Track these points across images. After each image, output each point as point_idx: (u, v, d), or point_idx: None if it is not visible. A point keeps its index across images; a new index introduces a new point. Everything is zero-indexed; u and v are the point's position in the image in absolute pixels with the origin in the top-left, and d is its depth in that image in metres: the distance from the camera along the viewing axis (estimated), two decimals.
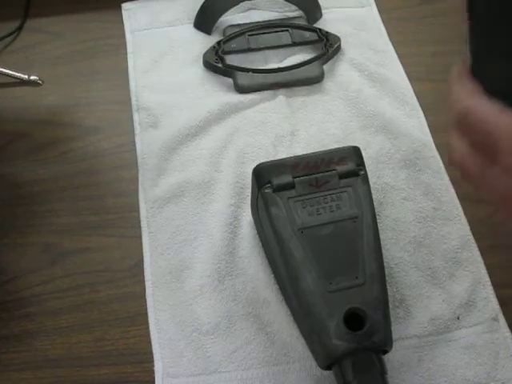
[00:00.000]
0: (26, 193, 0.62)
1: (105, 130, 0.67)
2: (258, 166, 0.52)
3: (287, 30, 0.72)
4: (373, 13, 0.77)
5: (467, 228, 0.60)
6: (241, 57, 0.71)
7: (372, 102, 0.68)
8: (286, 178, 0.51)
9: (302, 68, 0.69)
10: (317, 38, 0.72)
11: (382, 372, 0.45)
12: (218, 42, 0.70)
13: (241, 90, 0.68)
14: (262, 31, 0.72)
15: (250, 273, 0.56)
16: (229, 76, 0.69)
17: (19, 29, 0.75)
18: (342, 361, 0.45)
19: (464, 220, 0.60)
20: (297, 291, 0.48)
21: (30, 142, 0.66)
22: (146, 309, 0.55)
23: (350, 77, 0.70)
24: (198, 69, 0.71)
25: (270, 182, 0.51)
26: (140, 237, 0.59)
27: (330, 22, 0.75)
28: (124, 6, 0.77)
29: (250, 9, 0.76)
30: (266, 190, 0.51)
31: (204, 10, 0.74)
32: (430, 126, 0.67)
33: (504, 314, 0.55)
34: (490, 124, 0.30)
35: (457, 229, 0.60)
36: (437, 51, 0.74)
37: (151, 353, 0.53)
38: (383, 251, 0.50)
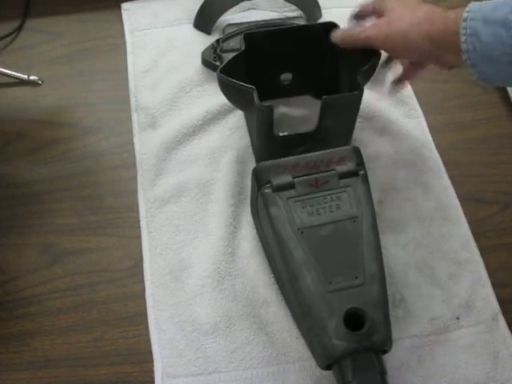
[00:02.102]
0: (25, 193, 0.62)
1: (104, 130, 0.67)
2: (257, 165, 0.52)
3: None
4: None
5: (467, 228, 0.60)
6: None
7: (371, 102, 0.68)
8: (286, 178, 0.51)
9: None
10: None
11: (382, 372, 0.45)
12: (217, 41, 0.70)
13: None
14: None
15: (249, 273, 0.56)
16: None
17: (19, 29, 0.75)
18: (341, 361, 0.45)
19: (464, 220, 0.60)
20: (297, 291, 0.48)
21: (30, 142, 0.66)
22: (146, 309, 0.55)
23: None
24: (197, 69, 0.70)
25: (269, 181, 0.51)
26: (139, 237, 0.59)
27: None
28: (123, 5, 0.77)
29: (250, 9, 0.76)
30: (266, 190, 0.51)
31: (204, 10, 0.74)
32: (429, 126, 0.67)
33: (503, 314, 0.55)
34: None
35: (457, 229, 0.60)
36: None
37: (150, 353, 0.53)
38: (383, 251, 0.50)
